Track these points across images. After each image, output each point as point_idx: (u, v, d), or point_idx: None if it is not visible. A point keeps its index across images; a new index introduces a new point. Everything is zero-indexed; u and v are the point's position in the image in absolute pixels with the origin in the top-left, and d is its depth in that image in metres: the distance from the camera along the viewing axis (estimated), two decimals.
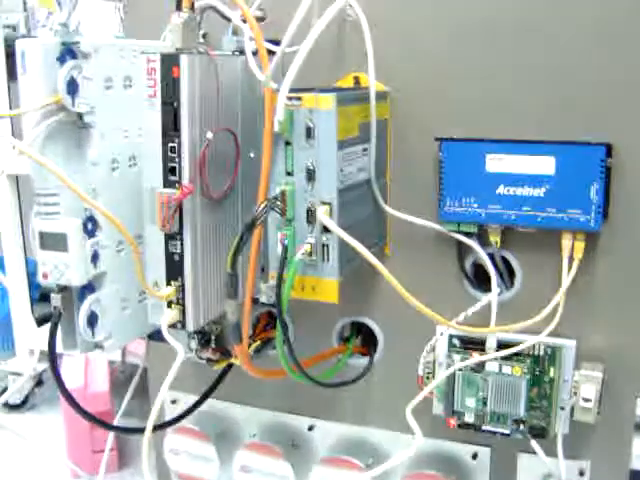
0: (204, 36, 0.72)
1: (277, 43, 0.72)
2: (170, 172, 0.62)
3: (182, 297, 0.64)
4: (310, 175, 0.62)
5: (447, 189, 0.70)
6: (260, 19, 0.75)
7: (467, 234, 0.71)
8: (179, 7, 0.61)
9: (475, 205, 0.69)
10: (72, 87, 0.62)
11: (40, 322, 1.16)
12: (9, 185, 1.15)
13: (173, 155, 0.62)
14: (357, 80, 0.73)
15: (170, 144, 0.62)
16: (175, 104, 0.61)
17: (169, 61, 0.61)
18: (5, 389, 1.30)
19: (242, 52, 0.69)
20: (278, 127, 0.61)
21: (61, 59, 0.62)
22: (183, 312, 0.65)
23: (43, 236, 0.65)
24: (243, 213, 0.70)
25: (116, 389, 1.14)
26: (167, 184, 0.62)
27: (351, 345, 0.80)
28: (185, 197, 0.61)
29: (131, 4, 0.84)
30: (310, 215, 0.63)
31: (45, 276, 0.65)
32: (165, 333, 0.63)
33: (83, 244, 0.64)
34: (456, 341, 0.73)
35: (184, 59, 0.60)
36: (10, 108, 1.01)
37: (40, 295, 1.27)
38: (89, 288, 0.66)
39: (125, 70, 0.68)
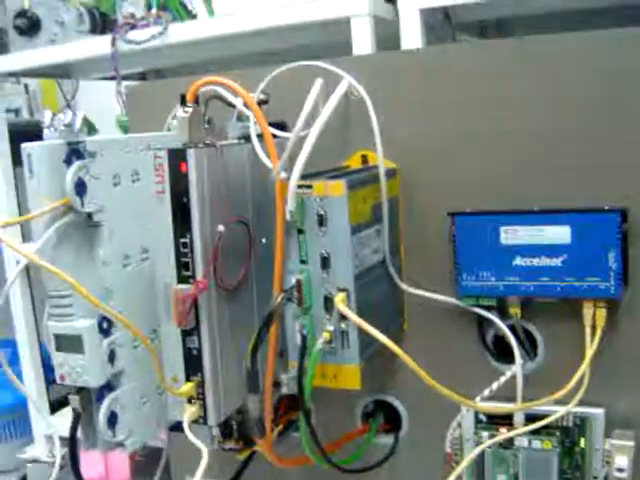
0: (209, 122, 0.72)
1: (282, 126, 0.73)
2: (183, 267, 0.62)
3: (202, 392, 0.63)
4: (325, 262, 0.61)
5: (463, 264, 0.69)
6: (263, 102, 0.75)
7: (486, 307, 0.70)
8: (183, 102, 0.61)
9: (492, 278, 0.69)
10: (80, 188, 0.62)
11: (56, 406, 1.15)
12: (20, 274, 1.15)
13: (185, 250, 0.62)
14: (365, 158, 0.72)
15: (182, 239, 0.62)
16: (185, 200, 0.61)
17: (176, 156, 0.61)
18: (24, 478, 1.28)
19: (247, 138, 0.69)
20: (290, 216, 0.60)
21: (67, 160, 0.62)
22: (204, 407, 0.63)
23: (58, 338, 0.64)
24: (258, 300, 0.69)
25: (137, 473, 1.12)
26: (181, 279, 0.62)
27: (375, 424, 0.79)
28: (200, 293, 0.60)
29: (132, 90, 0.84)
30: (327, 302, 0.62)
31: (62, 378, 0.64)
32: (187, 431, 0.62)
33: (99, 344, 0.64)
34: (482, 416, 0.71)
35: (191, 154, 0.60)
36: (18, 197, 1.02)
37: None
38: (108, 387, 0.65)
39: (132, 164, 0.68)
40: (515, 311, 0.69)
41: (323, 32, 0.95)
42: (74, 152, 0.63)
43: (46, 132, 0.64)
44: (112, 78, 1.37)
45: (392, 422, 0.80)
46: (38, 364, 1.24)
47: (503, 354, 0.73)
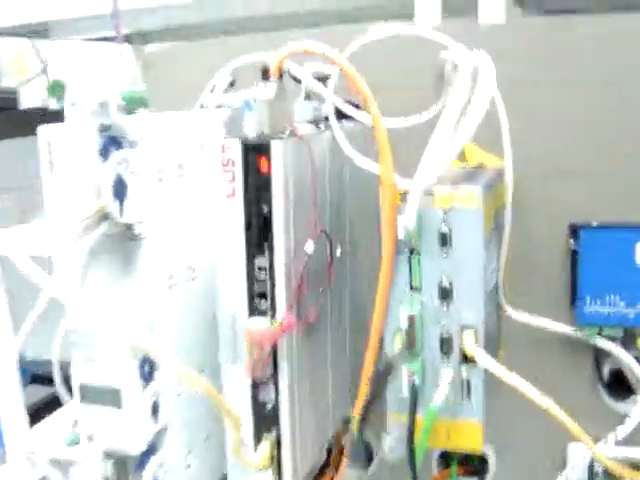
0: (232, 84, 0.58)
1: (356, 105, 0.58)
2: (258, 297, 0.47)
3: (277, 454, 0.49)
4: (445, 292, 0.47)
5: (586, 286, 0.56)
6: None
7: (609, 338, 0.57)
8: (266, 76, 0.46)
9: (622, 304, 0.56)
10: (120, 189, 0.46)
11: (36, 414, 0.97)
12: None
13: (262, 275, 0.46)
14: (462, 154, 0.58)
15: (257, 260, 0.46)
16: (265, 208, 0.46)
17: (255, 151, 0.45)
18: None
19: (317, 123, 0.54)
20: (405, 235, 0.46)
21: (103, 151, 0.46)
22: (278, 473, 0.49)
23: (85, 389, 0.48)
24: (332, 330, 0.55)
25: None
26: (253, 312, 0.47)
27: (454, 468, 0.65)
28: (284, 334, 0.45)
29: (154, 55, 0.67)
30: (445, 343, 0.48)
31: (90, 439, 0.48)
32: None
33: (140, 395, 0.48)
34: (599, 468, 0.59)
35: (276, 147, 0.45)
36: None
37: (32, 377, 1.07)
38: (149, 450, 0.50)
39: (176, 156, 0.52)
40: None
41: None
42: (112, 140, 0.46)
43: (69, 111, 0.47)
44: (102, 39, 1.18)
45: (468, 461, 0.67)
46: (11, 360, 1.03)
47: (619, 392, 0.60)
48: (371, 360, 0.49)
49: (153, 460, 0.49)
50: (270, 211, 0.45)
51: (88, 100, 0.46)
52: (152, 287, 0.49)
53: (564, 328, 0.58)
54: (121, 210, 0.46)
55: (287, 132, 0.46)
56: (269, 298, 0.46)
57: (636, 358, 0.58)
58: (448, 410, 0.49)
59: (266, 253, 0.46)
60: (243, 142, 0.45)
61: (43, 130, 0.46)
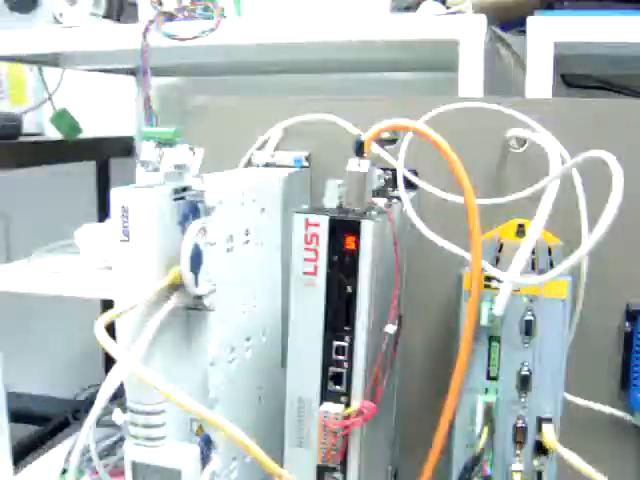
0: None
1: (414, 172, 0.57)
2: (332, 380, 0.45)
3: None
4: (525, 382, 0.46)
5: None
6: (391, 141, 0.59)
7: None
8: (361, 152, 0.44)
9: None
10: (196, 260, 0.43)
11: (20, 453, 0.92)
12: None
13: (340, 358, 0.44)
14: (521, 228, 0.57)
15: (336, 342, 0.44)
16: (349, 288, 0.43)
17: (343, 228, 0.43)
18: None
19: (383, 193, 0.53)
20: (488, 322, 0.44)
21: (183, 220, 0.43)
22: None
23: (140, 468, 0.45)
24: (386, 412, 0.53)
25: None
26: (325, 396, 0.45)
27: None
28: (366, 421, 0.43)
29: (203, 104, 0.64)
30: (519, 434, 0.46)
31: None
32: None
33: (199, 476, 0.45)
34: None
35: (367, 228, 0.43)
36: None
37: (14, 415, 1.00)
38: None
39: (244, 221, 0.50)
40: None
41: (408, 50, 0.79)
42: (191, 208, 0.44)
43: (141, 172, 0.44)
44: (106, 71, 1.14)
45: None
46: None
47: None
48: (438, 446, 0.47)
49: None
50: (355, 291, 0.43)
51: (164, 162, 0.44)
52: (217, 363, 0.47)
53: (615, 411, 0.57)
54: (196, 281, 0.43)
55: (375, 210, 0.44)
56: (345, 382, 0.44)
57: None
58: None
59: (346, 337, 0.44)
60: (332, 219, 0.43)
61: (117, 192, 0.43)
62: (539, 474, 0.47)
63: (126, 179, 0.51)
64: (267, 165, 0.61)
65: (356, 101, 0.60)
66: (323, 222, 0.43)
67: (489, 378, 0.47)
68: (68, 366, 1.45)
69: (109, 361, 1.24)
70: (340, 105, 0.59)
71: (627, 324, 0.56)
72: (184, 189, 0.44)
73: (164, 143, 0.43)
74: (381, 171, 0.52)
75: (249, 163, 0.61)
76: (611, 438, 0.59)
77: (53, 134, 1.02)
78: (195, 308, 0.45)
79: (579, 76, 0.98)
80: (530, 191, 0.47)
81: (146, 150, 0.44)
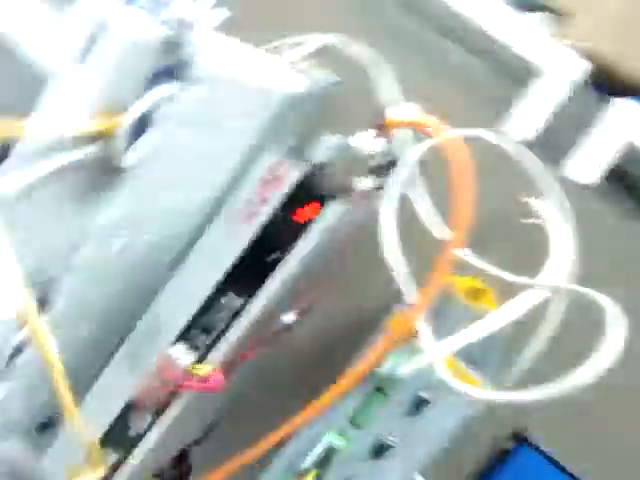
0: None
1: None
2: (202, 327, 0.38)
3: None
4: (380, 451, 0.41)
5: None
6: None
7: None
8: (382, 129, 0.37)
9: None
10: (140, 126, 0.36)
11: None
12: None
13: (222, 314, 0.38)
14: (477, 294, 0.51)
15: (225, 299, 0.38)
16: (279, 255, 0.37)
17: (306, 197, 0.36)
18: None
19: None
20: (387, 373, 0.39)
21: (155, 76, 0.36)
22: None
23: None
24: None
25: None
26: (184, 336, 0.39)
27: None
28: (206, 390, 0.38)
29: None
30: None
31: None
32: None
33: None
34: None
35: (333, 211, 0.36)
36: None
37: None
38: None
39: (214, 118, 0.42)
40: None
41: None
42: (170, 68, 0.36)
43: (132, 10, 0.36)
44: None
45: None
46: None
47: None
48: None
49: None
50: (277, 261, 0.37)
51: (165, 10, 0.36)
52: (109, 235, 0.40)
53: None
54: (127, 146, 0.36)
55: (348, 193, 0.38)
56: (211, 339, 0.38)
57: None
58: None
59: (238, 299, 0.38)
60: (299, 180, 0.36)
61: (99, 8, 0.35)
62: None
63: None
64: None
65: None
66: (292, 175, 0.37)
67: (353, 423, 0.41)
68: None
69: None
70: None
71: None
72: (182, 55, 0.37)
73: None
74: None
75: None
76: None
77: None
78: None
79: None
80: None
81: None
